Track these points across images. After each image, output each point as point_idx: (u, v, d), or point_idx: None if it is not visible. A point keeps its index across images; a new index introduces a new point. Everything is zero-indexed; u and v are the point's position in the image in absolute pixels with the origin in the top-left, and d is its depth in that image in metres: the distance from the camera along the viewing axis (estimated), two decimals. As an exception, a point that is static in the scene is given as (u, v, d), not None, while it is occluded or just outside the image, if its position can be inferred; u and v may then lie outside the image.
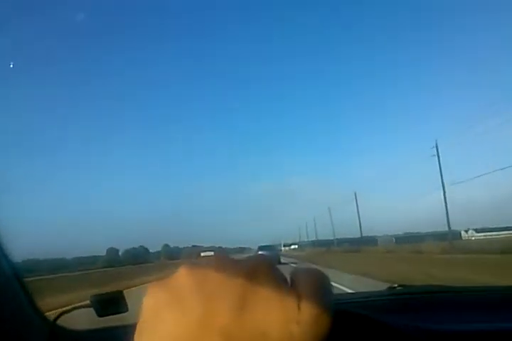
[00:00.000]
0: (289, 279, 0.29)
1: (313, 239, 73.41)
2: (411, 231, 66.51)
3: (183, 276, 0.27)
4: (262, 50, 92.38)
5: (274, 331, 0.25)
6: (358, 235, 56.93)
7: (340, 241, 59.87)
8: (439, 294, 1.32)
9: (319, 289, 0.27)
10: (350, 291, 6.40)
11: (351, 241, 55.71)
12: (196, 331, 0.25)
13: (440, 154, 27.88)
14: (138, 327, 0.26)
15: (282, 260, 25.73)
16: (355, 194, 47.19)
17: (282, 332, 0.25)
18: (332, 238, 61.27)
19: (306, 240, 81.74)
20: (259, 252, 24.84)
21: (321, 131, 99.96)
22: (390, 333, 0.50)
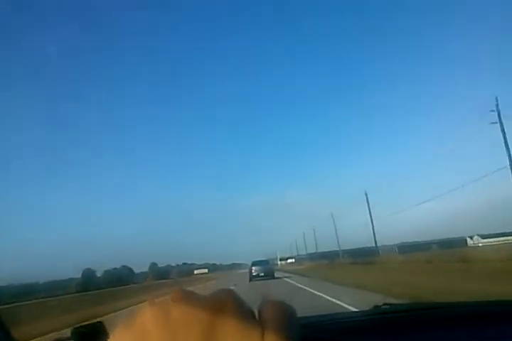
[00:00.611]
0: (256, 312, 0.30)
1: (312, 251, 72.44)
2: (408, 241, 67.58)
3: (147, 316, 0.28)
4: (258, 59, 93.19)
5: None
6: (357, 246, 56.20)
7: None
8: (425, 311, 1.34)
9: (284, 322, 0.29)
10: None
11: (350, 253, 54.72)
12: None
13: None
14: None
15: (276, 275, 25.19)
16: (366, 194, 40.63)
17: None
18: (333, 249, 59.88)
19: (304, 253, 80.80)
20: (253, 268, 24.14)
21: (315, 142, 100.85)
22: None
